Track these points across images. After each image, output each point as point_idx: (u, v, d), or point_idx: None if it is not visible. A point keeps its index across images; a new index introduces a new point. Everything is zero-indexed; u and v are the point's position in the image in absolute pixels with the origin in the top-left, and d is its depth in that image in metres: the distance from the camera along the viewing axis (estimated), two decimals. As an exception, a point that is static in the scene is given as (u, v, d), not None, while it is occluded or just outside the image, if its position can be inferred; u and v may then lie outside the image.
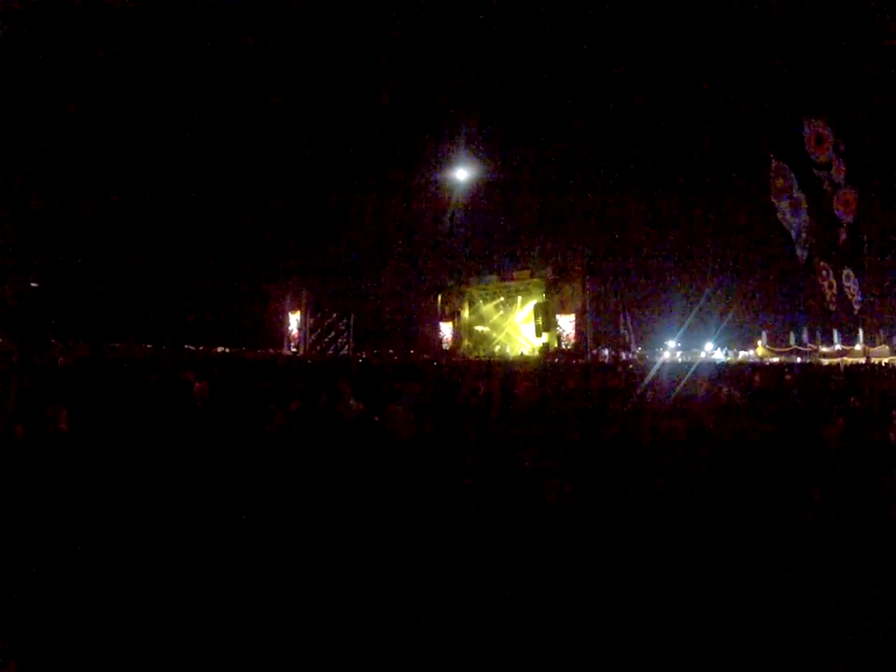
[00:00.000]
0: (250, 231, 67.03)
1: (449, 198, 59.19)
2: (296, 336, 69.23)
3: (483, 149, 54.20)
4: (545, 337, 59.03)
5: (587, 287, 57.88)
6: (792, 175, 37.89)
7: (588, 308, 57.62)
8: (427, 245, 68.92)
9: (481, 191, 57.30)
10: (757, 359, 55.89)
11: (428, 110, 62.38)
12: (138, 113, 52.17)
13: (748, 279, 70.79)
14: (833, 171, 35.55)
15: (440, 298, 68.07)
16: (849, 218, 36.38)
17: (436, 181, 59.03)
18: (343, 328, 69.75)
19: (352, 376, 15.30)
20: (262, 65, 55.88)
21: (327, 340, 69.22)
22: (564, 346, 57.04)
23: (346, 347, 68.03)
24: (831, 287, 44.47)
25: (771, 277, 67.42)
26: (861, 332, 54.28)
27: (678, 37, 69.84)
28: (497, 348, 64.25)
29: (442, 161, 57.83)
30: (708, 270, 72.54)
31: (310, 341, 68.40)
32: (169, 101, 53.09)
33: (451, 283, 68.08)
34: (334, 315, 69.61)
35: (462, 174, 57.19)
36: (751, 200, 59.53)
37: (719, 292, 72.93)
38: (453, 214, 61.63)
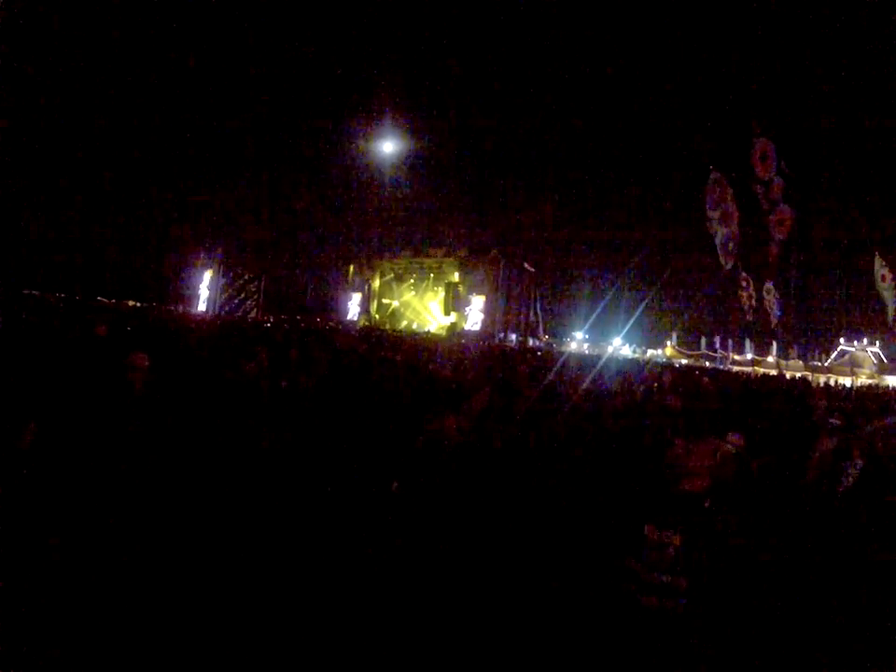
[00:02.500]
0: (168, 187, 64.92)
1: (369, 168, 58.66)
2: (207, 295, 67.23)
3: (406, 124, 53.73)
4: (453, 317, 59.16)
5: (500, 270, 58.45)
6: (729, 188, 38.92)
7: (499, 291, 58.03)
8: (342, 214, 68.09)
9: (402, 165, 56.93)
10: (665, 359, 56.99)
11: (355, 80, 61.58)
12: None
13: (665, 279, 72.39)
14: (772, 189, 36.68)
15: (351, 268, 66.61)
16: (782, 236, 37.48)
17: (357, 150, 58.37)
18: (254, 290, 68.20)
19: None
20: (173, 32, 53.96)
21: (236, 301, 67.56)
22: (471, 328, 57.23)
23: (255, 311, 66.52)
24: (750, 298, 46.69)
25: (688, 280, 69.32)
26: (775, 345, 56.37)
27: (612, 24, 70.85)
28: (404, 323, 63.92)
29: (364, 132, 57.21)
30: (626, 266, 73.88)
31: (221, 301, 66.62)
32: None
33: (364, 254, 66.93)
34: (246, 277, 67.96)
35: (384, 146, 56.69)
36: (680, 202, 61.19)
37: (633, 289, 74.44)
38: (372, 185, 61.07)
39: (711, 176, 40.79)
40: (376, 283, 66.54)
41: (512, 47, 65.10)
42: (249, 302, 66.05)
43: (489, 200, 65.13)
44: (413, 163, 56.95)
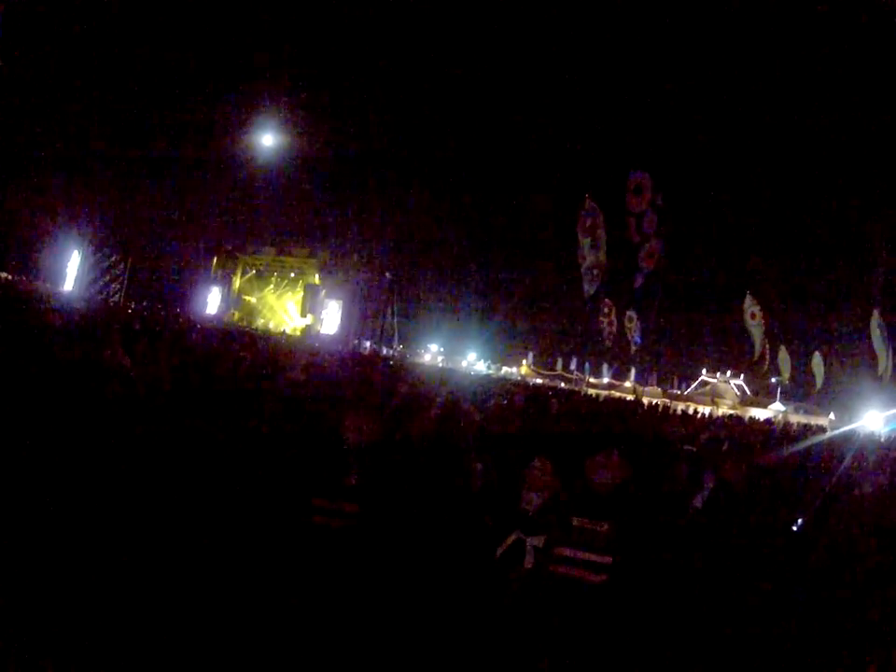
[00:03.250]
0: (36, 160, 62.61)
1: (239, 159, 57.83)
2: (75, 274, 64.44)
3: (279, 122, 53.21)
4: (309, 319, 59.11)
5: (360, 275, 58.72)
6: (601, 217, 40.01)
7: (357, 297, 58.33)
8: (210, 203, 66.82)
9: (273, 160, 56.27)
10: (520, 377, 57.81)
11: (235, 69, 60.60)
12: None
13: (525, 298, 73.36)
14: (644, 221, 37.95)
15: (215, 260, 65.27)
16: (649, 268, 38.71)
17: (228, 138, 57.55)
18: (119, 273, 66.10)
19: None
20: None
21: (101, 283, 65.22)
22: (325, 331, 57.38)
23: (119, 295, 64.40)
24: (611, 324, 48.18)
25: (548, 302, 70.30)
26: (633, 371, 58.12)
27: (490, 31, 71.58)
28: (260, 322, 63.38)
29: (238, 124, 56.47)
30: (486, 281, 74.51)
31: (87, 281, 64.20)
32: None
33: (228, 247, 65.63)
34: (113, 258, 65.77)
35: (255, 139, 55.97)
36: (548, 225, 62.26)
37: (493, 305, 75.12)
38: (241, 176, 60.21)
39: (586, 204, 41.86)
40: (238, 278, 66.00)
41: (387, 47, 65.08)
42: (114, 286, 64.07)
43: (355, 204, 64.64)
44: (284, 160, 56.39)
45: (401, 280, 63.06)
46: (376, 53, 64.46)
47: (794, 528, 8.04)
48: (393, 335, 61.55)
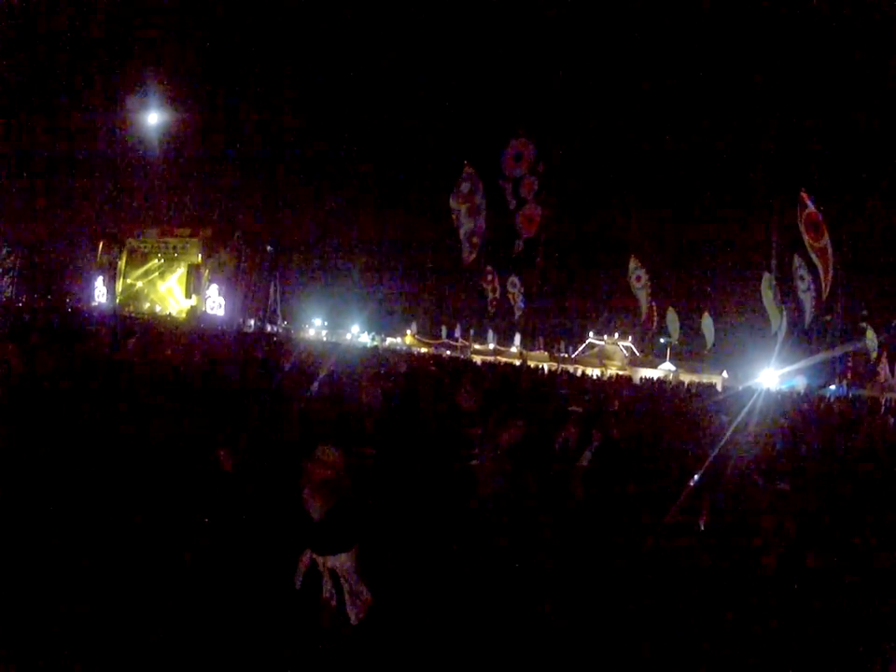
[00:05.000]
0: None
1: (119, 137, 56.04)
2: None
3: (157, 98, 51.65)
4: (194, 300, 58.10)
5: (243, 253, 58.01)
6: (480, 183, 39.92)
7: (240, 275, 57.46)
8: (91, 189, 64.64)
9: (153, 138, 54.78)
10: (405, 348, 57.54)
11: (111, 52, 58.74)
12: None
13: (406, 268, 73.23)
14: (523, 187, 37.98)
15: (101, 245, 63.24)
16: (529, 233, 38.85)
17: (108, 117, 55.68)
18: (9, 266, 63.19)
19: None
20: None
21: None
22: (210, 311, 56.49)
23: (11, 289, 61.43)
24: (494, 290, 48.41)
25: (429, 270, 70.31)
26: (518, 336, 58.38)
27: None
28: (147, 305, 61.89)
29: (117, 101, 54.63)
30: (366, 254, 74.17)
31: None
32: None
33: (111, 230, 63.68)
34: (3, 251, 62.77)
35: (133, 116, 54.22)
36: (426, 193, 62.09)
37: (374, 277, 74.82)
38: (123, 156, 58.41)
39: (465, 171, 41.72)
40: (123, 261, 64.08)
41: (256, 25, 64.06)
42: (6, 279, 61.39)
43: (235, 180, 63.54)
44: (163, 140, 54.95)
45: (283, 256, 62.26)
46: (248, 32, 63.50)
47: (690, 484, 8.12)
48: (276, 312, 60.74)
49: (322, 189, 73.24)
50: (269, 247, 59.01)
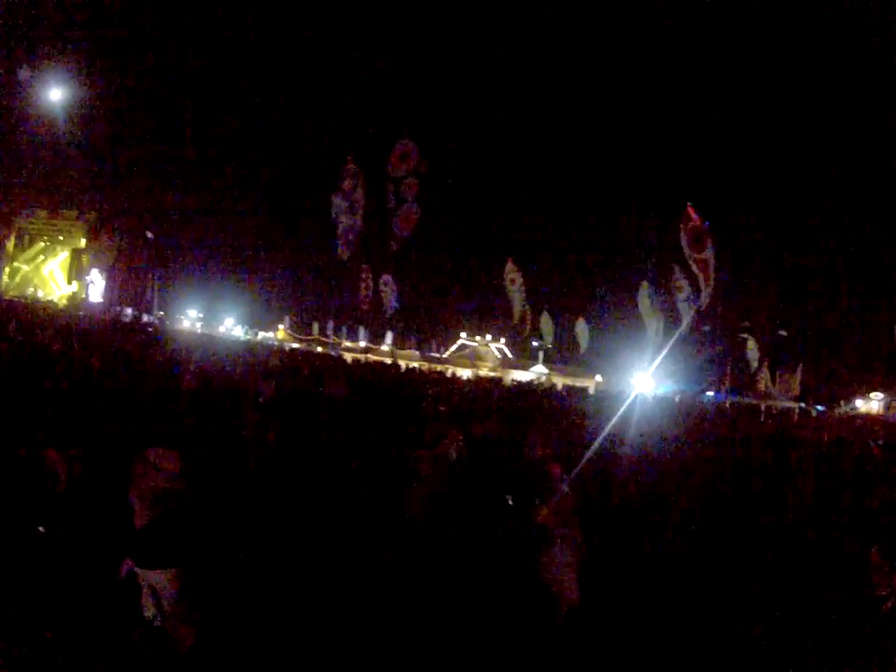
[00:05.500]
0: None
1: (10, 117, 54.08)
2: None
3: (51, 78, 49.82)
4: (75, 285, 56.43)
5: (124, 239, 56.32)
6: (362, 181, 39.79)
7: (121, 262, 56.03)
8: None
9: (43, 119, 52.89)
10: (276, 343, 56.90)
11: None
12: None
13: (280, 262, 72.51)
14: (404, 187, 37.95)
15: None
16: (406, 233, 38.84)
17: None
18: None
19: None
20: None
21: None
22: (91, 299, 54.93)
23: None
24: (367, 288, 48.10)
25: (304, 265, 69.81)
26: (390, 334, 58.20)
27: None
28: (30, 290, 59.76)
29: (7, 83, 52.62)
30: (244, 245, 73.25)
31: None
32: None
33: (2, 209, 61.06)
34: None
35: (27, 98, 52.24)
36: (306, 188, 61.58)
37: (248, 269, 73.98)
38: (13, 135, 56.27)
39: (347, 167, 41.49)
40: (11, 243, 61.69)
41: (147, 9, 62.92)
42: None
43: (120, 166, 61.97)
44: (55, 119, 53.03)
45: (163, 245, 60.95)
46: (134, 15, 62.05)
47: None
48: (153, 301, 59.34)
49: (204, 179, 71.95)
50: (149, 234, 57.79)
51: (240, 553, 5.54)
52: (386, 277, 50.10)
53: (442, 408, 12.51)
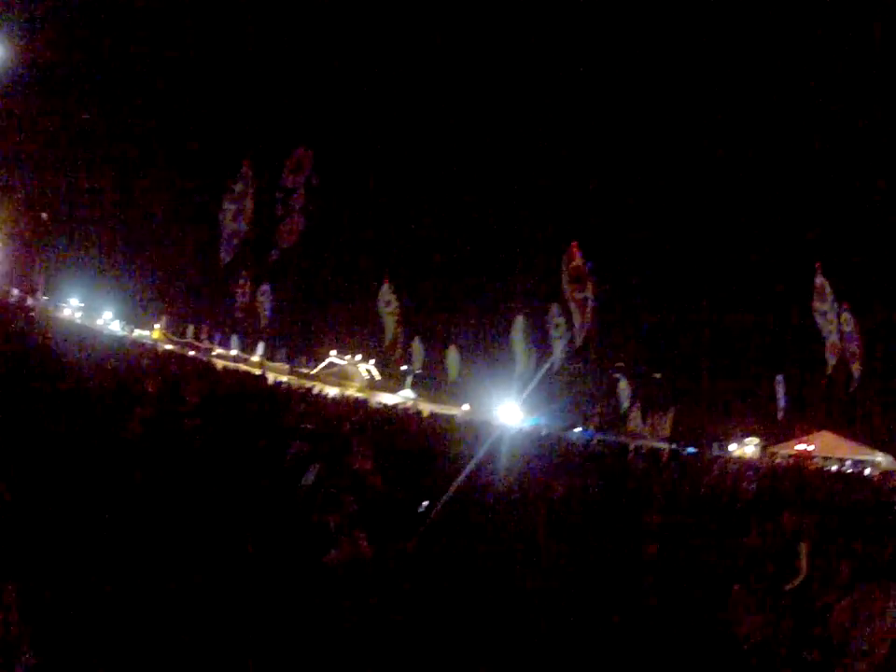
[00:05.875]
0: None
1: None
2: None
3: None
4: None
5: (18, 217, 54.59)
6: (253, 186, 39.20)
7: (16, 242, 54.53)
8: None
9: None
10: (151, 342, 55.93)
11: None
12: None
13: (162, 260, 71.30)
14: (293, 197, 37.49)
15: None
16: (288, 244, 38.36)
17: None
18: None
19: None
20: None
21: None
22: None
23: None
24: (245, 296, 47.26)
25: (187, 266, 68.78)
26: (261, 345, 57.54)
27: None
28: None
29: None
30: (129, 238, 71.77)
31: None
32: None
33: None
34: None
35: None
36: (195, 188, 60.69)
37: (130, 264, 72.59)
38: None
39: (242, 171, 40.86)
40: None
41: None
42: None
43: (15, 144, 60.42)
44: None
45: (49, 228, 59.29)
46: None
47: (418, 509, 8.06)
48: (39, 284, 57.75)
49: (101, 167, 70.44)
50: (44, 215, 56.26)
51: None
52: (265, 287, 49.54)
53: (308, 426, 12.29)
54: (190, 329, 65.86)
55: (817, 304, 31.92)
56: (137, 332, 66.20)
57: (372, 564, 6.38)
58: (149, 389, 11.76)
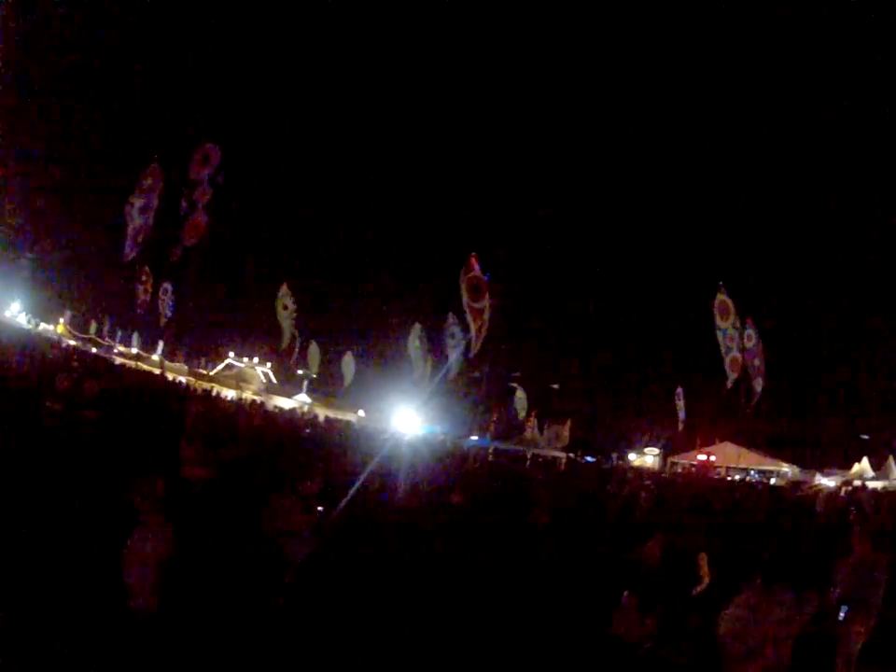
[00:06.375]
0: None
1: None
2: None
3: None
4: None
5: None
6: (161, 182, 38.87)
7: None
8: None
9: None
10: (56, 338, 55.04)
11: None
12: None
13: (69, 254, 70.14)
14: (198, 193, 37.23)
15: None
16: (191, 241, 38.14)
17: None
18: None
19: None
20: None
21: None
22: None
23: None
24: (146, 293, 46.73)
25: (91, 262, 67.71)
26: (161, 344, 57.00)
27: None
28: None
29: None
30: (40, 232, 70.49)
31: None
32: None
33: None
34: None
35: None
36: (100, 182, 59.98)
37: (40, 256, 71.18)
38: None
39: (151, 166, 40.38)
40: None
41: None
42: None
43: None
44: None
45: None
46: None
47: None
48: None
49: (3, 162, 69.16)
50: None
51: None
52: (166, 285, 49.13)
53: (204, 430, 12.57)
54: (94, 326, 64.87)
55: (718, 321, 32.76)
56: (43, 326, 65.24)
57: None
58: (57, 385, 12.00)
